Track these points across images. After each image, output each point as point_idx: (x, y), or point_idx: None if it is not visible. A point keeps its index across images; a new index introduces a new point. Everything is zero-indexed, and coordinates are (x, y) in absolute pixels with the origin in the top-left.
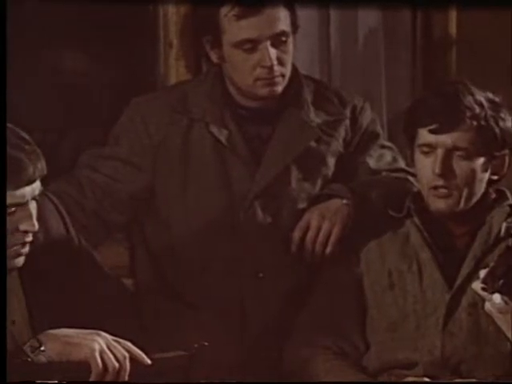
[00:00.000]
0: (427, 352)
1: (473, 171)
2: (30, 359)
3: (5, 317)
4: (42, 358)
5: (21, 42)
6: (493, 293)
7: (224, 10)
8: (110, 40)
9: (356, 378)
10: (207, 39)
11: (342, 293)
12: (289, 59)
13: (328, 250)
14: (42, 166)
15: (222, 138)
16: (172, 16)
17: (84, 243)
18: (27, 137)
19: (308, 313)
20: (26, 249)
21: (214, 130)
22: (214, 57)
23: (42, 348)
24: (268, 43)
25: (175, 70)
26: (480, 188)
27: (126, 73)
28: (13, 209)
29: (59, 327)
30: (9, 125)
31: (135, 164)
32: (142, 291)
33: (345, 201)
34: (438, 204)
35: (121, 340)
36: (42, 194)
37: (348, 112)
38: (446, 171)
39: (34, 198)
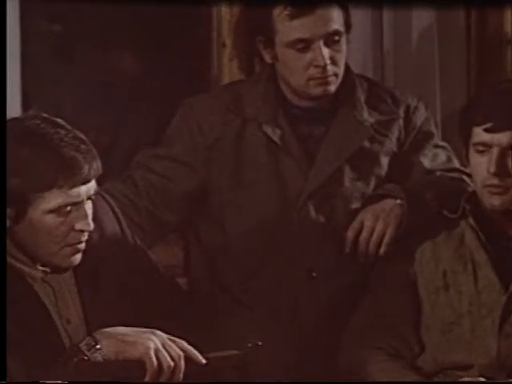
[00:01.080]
0: (483, 354)
1: None
2: (86, 357)
3: (5, 317)
4: (98, 357)
5: (76, 44)
6: None
7: (277, 10)
8: (164, 41)
9: (410, 379)
10: (260, 39)
11: (396, 293)
12: (342, 58)
13: (382, 250)
14: (97, 165)
15: (276, 138)
16: (225, 16)
17: (139, 243)
18: (83, 136)
19: (362, 313)
20: (82, 247)
21: (268, 129)
22: (267, 57)
23: (98, 346)
24: (321, 42)
25: (228, 71)
26: None
27: (180, 73)
28: (68, 208)
29: (114, 326)
30: (65, 124)
31: (189, 164)
32: (196, 290)
33: (399, 201)
34: (492, 201)
35: (176, 339)
36: (97, 193)
37: (402, 111)
38: (501, 170)
39: (89, 198)
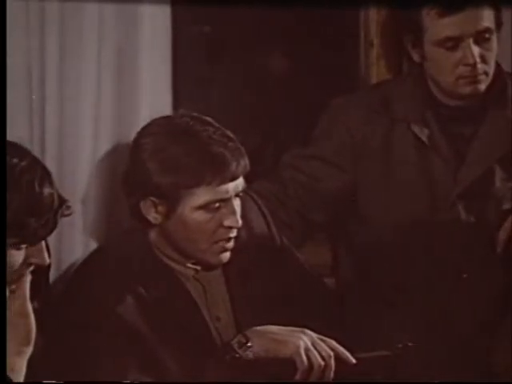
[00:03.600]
0: None
1: None
2: (238, 355)
3: (5, 317)
4: (250, 354)
5: (225, 44)
6: None
7: (426, 9)
8: (312, 41)
9: None
10: (408, 38)
11: None
12: (492, 57)
13: None
14: (245, 162)
15: (424, 137)
16: (373, 16)
17: (286, 242)
18: (231, 134)
19: None
20: (231, 244)
21: (416, 129)
22: (415, 56)
23: (250, 344)
24: (471, 40)
25: (376, 70)
26: None
27: (328, 73)
28: (217, 204)
29: (262, 324)
30: (213, 122)
31: (337, 163)
32: (344, 290)
33: None
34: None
35: (326, 338)
36: (246, 193)
37: None
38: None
39: (237, 195)
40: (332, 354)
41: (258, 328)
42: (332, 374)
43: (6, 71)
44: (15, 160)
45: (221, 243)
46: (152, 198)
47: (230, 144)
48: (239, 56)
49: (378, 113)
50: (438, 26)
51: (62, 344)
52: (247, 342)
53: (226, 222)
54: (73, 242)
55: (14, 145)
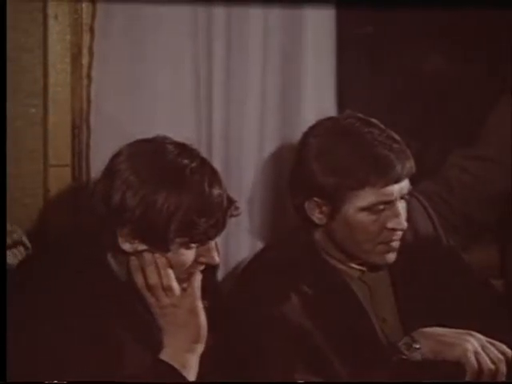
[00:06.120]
0: None
1: None
2: (405, 356)
3: (5, 317)
4: (417, 356)
5: (386, 46)
6: None
7: None
8: (470, 43)
9: None
10: None
11: None
12: None
13: None
14: (410, 165)
15: None
16: None
17: (452, 243)
18: (396, 136)
19: None
20: (396, 246)
21: None
22: None
23: (417, 346)
24: None
25: None
26: None
27: (488, 73)
28: (381, 206)
29: (429, 326)
30: (378, 123)
31: (505, 163)
32: None
33: None
34: None
35: (495, 342)
36: (411, 194)
37: None
38: None
39: (402, 197)
40: (503, 358)
41: (425, 330)
42: (504, 379)
43: (5, 71)
44: (185, 161)
45: (385, 244)
46: (316, 199)
47: (395, 146)
48: (400, 57)
49: None
50: None
51: (229, 342)
52: (415, 344)
53: (390, 224)
54: (239, 241)
55: (183, 146)
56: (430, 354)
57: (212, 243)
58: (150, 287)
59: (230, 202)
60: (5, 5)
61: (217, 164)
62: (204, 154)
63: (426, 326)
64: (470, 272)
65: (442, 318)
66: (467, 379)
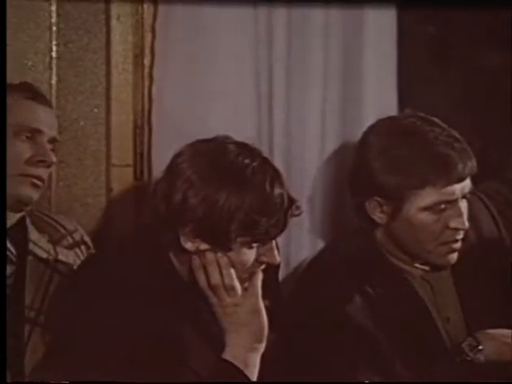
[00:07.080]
0: None
1: None
2: (468, 358)
3: (5, 317)
4: (481, 358)
5: (448, 44)
6: None
7: None
8: None
9: None
10: None
11: None
12: None
13: None
14: (472, 164)
15: None
16: None
17: None
18: (457, 135)
19: None
20: (458, 245)
21: None
22: None
23: (481, 347)
24: None
25: None
26: None
27: None
28: (443, 206)
29: (494, 327)
30: (440, 122)
31: None
32: None
33: None
34: None
35: None
36: (473, 193)
37: None
38: None
39: (464, 197)
40: None
41: (490, 331)
42: None
43: (5, 71)
44: (247, 161)
45: (447, 244)
46: (377, 198)
47: (457, 145)
48: (462, 55)
49: None
50: None
51: (290, 342)
52: (478, 345)
53: (452, 224)
54: (300, 240)
55: (245, 145)
56: (493, 356)
57: (273, 243)
58: (212, 287)
59: (291, 201)
60: (5, 5)
61: (278, 163)
62: (265, 153)
63: (489, 326)
64: None
65: (506, 319)
66: None
